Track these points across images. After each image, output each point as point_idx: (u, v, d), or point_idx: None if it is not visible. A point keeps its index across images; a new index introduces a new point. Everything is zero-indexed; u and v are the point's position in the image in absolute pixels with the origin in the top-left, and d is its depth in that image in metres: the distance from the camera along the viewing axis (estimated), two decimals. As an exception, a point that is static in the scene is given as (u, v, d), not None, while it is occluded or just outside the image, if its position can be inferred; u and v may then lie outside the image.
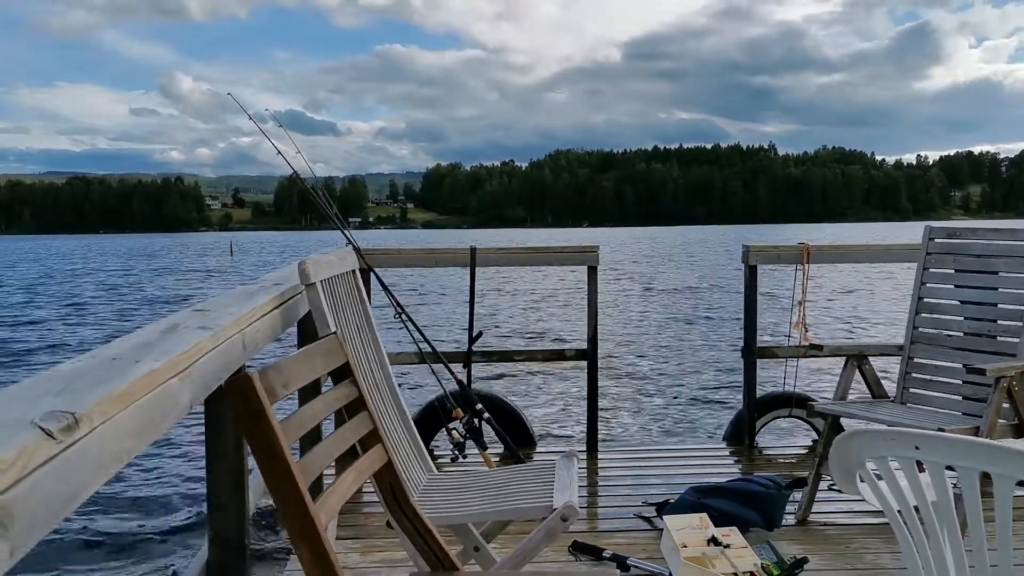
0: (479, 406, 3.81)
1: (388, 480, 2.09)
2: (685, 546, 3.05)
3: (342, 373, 2.08)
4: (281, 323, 2.40)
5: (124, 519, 6.12)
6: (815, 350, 4.27)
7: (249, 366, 1.94)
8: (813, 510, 3.66)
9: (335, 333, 2.14)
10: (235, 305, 2.14)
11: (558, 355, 5.35)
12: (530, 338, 16.31)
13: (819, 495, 3.69)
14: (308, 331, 3.26)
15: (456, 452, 3.73)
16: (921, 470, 1.70)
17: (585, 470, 4.39)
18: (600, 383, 4.86)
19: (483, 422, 3.81)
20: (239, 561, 1.99)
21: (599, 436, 4.81)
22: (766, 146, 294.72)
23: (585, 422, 4.87)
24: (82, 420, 1.11)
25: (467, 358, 4.40)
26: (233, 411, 1.62)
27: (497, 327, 17.43)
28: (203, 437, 2.02)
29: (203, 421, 2.04)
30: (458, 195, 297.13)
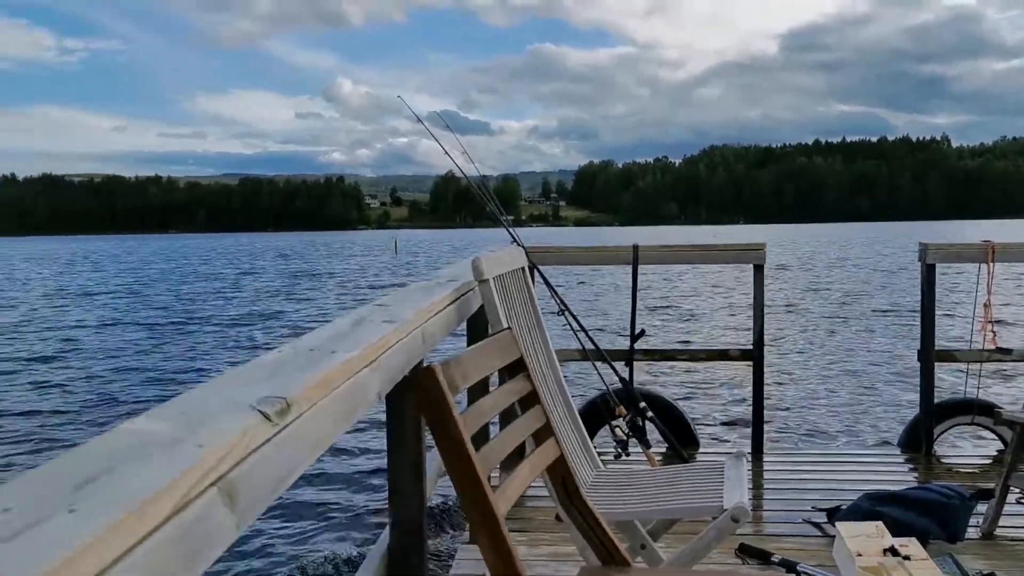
0: (643, 404, 3.80)
1: (560, 474, 2.12)
2: (860, 555, 2.93)
3: (516, 368, 2.13)
4: (456, 318, 2.47)
5: (312, 503, 6.45)
6: (1002, 354, 4.01)
7: (430, 359, 2.01)
8: (1000, 523, 3.44)
9: (509, 329, 2.19)
10: (414, 300, 2.22)
11: (722, 355, 5.25)
12: (692, 337, 16.02)
13: (1007, 508, 3.46)
14: (476, 327, 3.34)
15: (619, 450, 3.73)
16: None
17: (751, 472, 4.29)
18: (766, 384, 4.73)
19: (647, 420, 3.79)
20: (418, 546, 2.06)
21: (764, 438, 4.69)
22: (938, 138, 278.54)
23: (750, 424, 4.76)
24: (293, 404, 1.18)
25: (629, 356, 4.39)
26: (417, 401, 1.68)
27: (656, 325, 17.20)
28: (383, 427, 2.10)
29: (384, 411, 2.11)
30: (610, 192, 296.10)
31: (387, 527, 2.10)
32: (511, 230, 4.31)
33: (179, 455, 0.91)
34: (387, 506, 2.10)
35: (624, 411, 3.82)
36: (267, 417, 1.10)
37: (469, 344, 3.39)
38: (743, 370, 7.75)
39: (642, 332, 4.41)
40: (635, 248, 4.50)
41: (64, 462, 0.87)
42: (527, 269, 3.19)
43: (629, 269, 4.55)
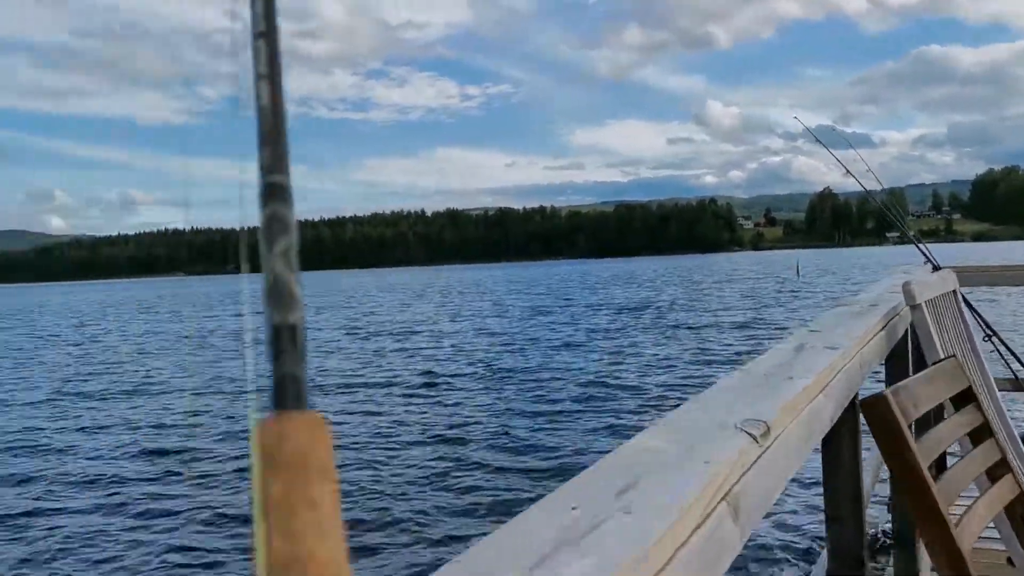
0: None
1: (1020, 514, 1.96)
2: None
3: (965, 398, 2.02)
4: (886, 345, 2.38)
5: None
6: None
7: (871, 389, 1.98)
8: None
9: (954, 356, 2.08)
10: (846, 326, 2.18)
11: None
12: None
13: None
14: (897, 355, 3.18)
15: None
16: None
17: None
18: None
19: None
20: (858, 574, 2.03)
21: None
22: None
23: None
24: (772, 428, 1.24)
25: (1073, 388, 3.90)
26: (873, 430, 1.67)
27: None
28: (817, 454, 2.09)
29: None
30: (1016, 202, 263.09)
31: (824, 552, 2.09)
32: (925, 248, 4.07)
33: (692, 470, 1.01)
34: (824, 532, 2.09)
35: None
36: (754, 439, 1.17)
37: (888, 375, 3.24)
38: None
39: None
40: (1079, 266, 4.00)
41: (599, 471, 1.00)
42: (958, 292, 2.99)
43: None
